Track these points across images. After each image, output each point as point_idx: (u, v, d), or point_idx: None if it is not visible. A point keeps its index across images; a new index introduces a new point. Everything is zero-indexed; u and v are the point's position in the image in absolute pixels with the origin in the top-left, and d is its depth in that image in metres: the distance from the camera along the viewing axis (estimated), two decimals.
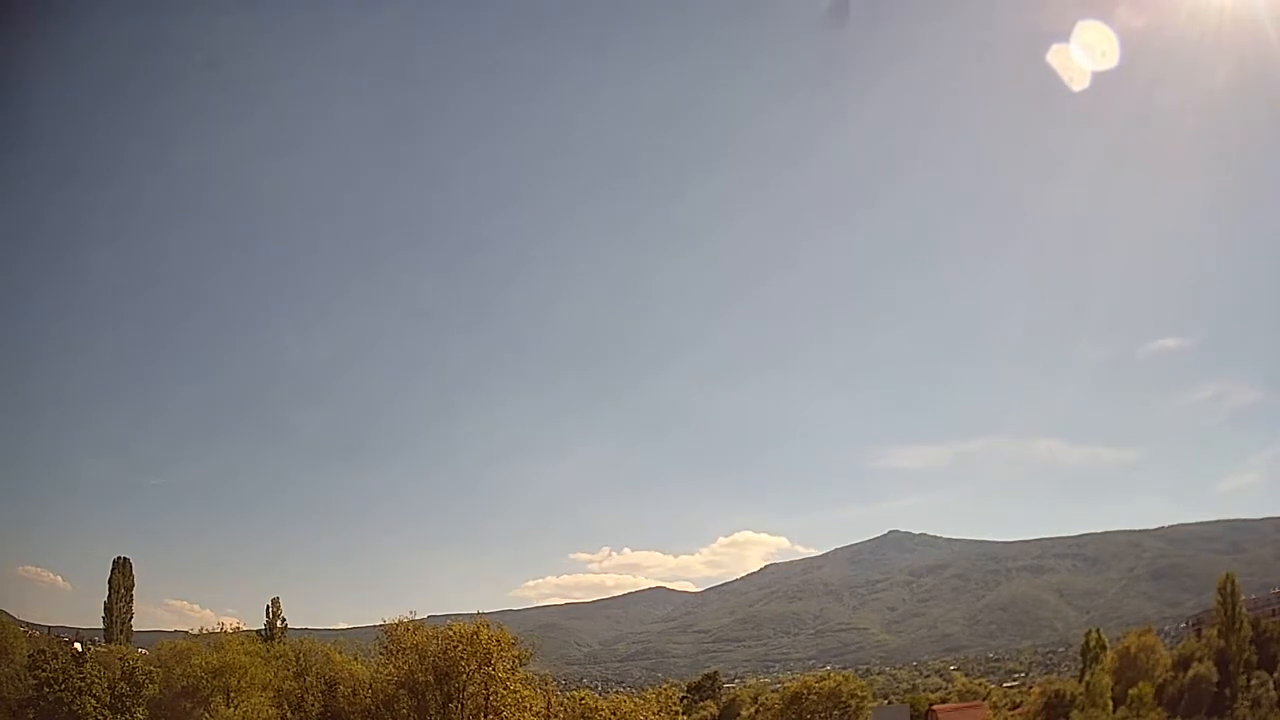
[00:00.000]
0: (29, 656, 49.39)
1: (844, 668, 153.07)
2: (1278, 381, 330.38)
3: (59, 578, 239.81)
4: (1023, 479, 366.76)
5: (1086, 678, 72.87)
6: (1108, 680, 71.21)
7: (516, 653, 44.31)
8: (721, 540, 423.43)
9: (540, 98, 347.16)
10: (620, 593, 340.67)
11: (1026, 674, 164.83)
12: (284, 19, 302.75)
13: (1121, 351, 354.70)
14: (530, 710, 43.73)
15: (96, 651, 59.58)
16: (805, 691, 73.10)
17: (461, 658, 42.05)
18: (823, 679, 77.64)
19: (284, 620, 73.40)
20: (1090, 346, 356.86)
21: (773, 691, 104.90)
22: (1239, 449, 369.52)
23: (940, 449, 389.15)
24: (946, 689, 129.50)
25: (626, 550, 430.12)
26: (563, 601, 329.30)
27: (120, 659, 51.92)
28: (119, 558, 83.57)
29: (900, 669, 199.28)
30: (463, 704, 42.47)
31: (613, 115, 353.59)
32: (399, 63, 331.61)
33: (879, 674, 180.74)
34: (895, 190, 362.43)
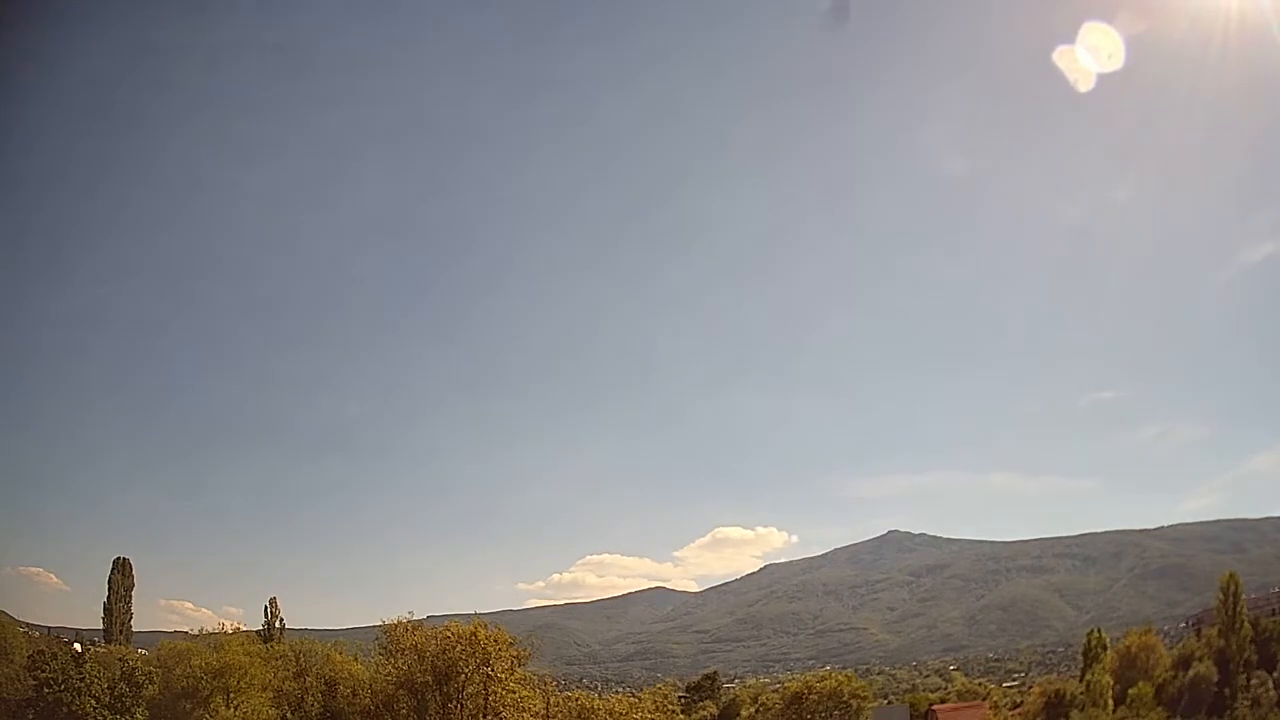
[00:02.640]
0: (29, 657, 49.35)
1: (844, 668, 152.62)
2: (1220, 418, 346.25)
3: (59, 578, 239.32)
4: (981, 508, 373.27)
5: (1087, 678, 72.78)
6: (1108, 680, 71.15)
7: (515, 653, 44.39)
8: (720, 541, 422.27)
9: (532, 101, 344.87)
10: (619, 593, 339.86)
11: (1026, 674, 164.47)
12: (283, 21, 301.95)
13: (1060, 398, 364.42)
14: (529, 710, 43.84)
15: (96, 652, 59.60)
16: (805, 691, 73.03)
17: (461, 658, 42.13)
18: (823, 679, 77.51)
19: (282, 620, 73.90)
20: (1027, 397, 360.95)
21: (773, 691, 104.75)
22: (1187, 479, 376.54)
23: (896, 479, 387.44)
24: (946, 689, 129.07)
25: (626, 551, 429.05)
26: (562, 601, 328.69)
27: (120, 659, 52.00)
28: (119, 558, 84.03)
29: (900, 669, 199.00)
30: (462, 704, 42.54)
31: (607, 117, 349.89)
32: (392, 67, 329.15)
33: (879, 674, 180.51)
34: (894, 197, 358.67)
